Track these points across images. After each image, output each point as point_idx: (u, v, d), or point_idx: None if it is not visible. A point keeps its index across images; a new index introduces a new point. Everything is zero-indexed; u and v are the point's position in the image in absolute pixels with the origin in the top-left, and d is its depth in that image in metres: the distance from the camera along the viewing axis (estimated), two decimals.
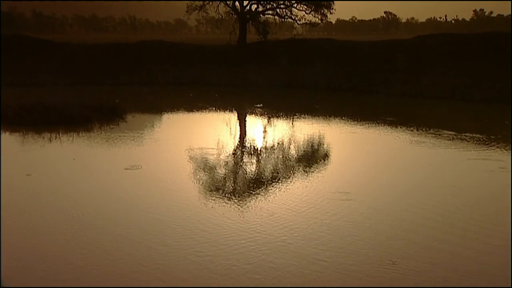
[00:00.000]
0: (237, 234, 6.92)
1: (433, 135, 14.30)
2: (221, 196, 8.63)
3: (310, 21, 36.58)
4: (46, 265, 5.97)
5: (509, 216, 7.59)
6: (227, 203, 8.27)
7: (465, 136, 14.21)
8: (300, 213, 7.73)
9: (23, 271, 5.80)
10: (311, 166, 10.98)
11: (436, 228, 7.22)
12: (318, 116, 18.27)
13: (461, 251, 6.50)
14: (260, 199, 8.46)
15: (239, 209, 7.99)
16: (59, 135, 13.63)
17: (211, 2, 36.09)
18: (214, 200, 8.40)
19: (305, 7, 35.19)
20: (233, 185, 9.67)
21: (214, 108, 20.39)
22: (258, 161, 11.63)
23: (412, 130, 15.14)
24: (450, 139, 13.75)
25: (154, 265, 5.97)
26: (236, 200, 8.44)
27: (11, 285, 5.38)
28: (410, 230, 7.13)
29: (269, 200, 8.38)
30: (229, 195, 8.76)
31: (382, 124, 16.14)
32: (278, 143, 13.80)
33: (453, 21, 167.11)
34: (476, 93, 22.05)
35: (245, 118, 19.15)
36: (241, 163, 11.37)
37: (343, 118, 17.65)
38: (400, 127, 15.65)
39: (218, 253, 6.31)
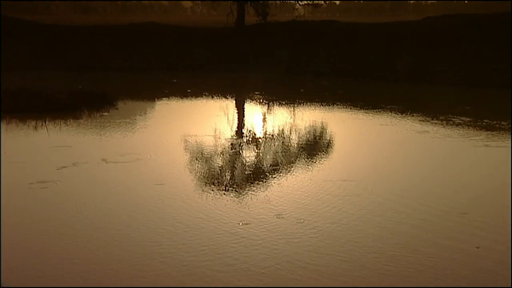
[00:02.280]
0: (236, 231, 6.94)
1: (443, 123, 14.29)
2: (218, 189, 8.63)
3: (313, 2, 36.42)
4: (45, 264, 5.97)
5: None
6: (224, 196, 8.27)
7: (477, 123, 14.21)
8: (301, 207, 7.74)
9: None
10: (312, 156, 10.96)
11: (441, 225, 7.22)
12: (320, 103, 18.22)
13: (467, 248, 6.51)
14: (261, 192, 8.47)
15: (238, 203, 8.00)
16: (45, 122, 13.60)
17: None
18: (211, 193, 8.41)
19: None
20: (231, 176, 9.67)
21: (211, 95, 20.34)
22: (258, 149, 11.62)
23: (420, 118, 15.13)
24: (460, 127, 13.74)
25: (150, 265, 5.99)
26: (235, 193, 8.44)
27: (11, 285, 5.42)
28: (415, 226, 7.13)
29: (270, 194, 8.40)
30: (227, 187, 8.75)
31: (389, 112, 16.12)
32: (279, 131, 13.79)
33: (466, 1, 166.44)
34: (490, 78, 21.97)
35: (243, 105, 19.12)
36: (240, 152, 11.36)
37: (347, 105, 17.61)
38: (407, 114, 15.63)
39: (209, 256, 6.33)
